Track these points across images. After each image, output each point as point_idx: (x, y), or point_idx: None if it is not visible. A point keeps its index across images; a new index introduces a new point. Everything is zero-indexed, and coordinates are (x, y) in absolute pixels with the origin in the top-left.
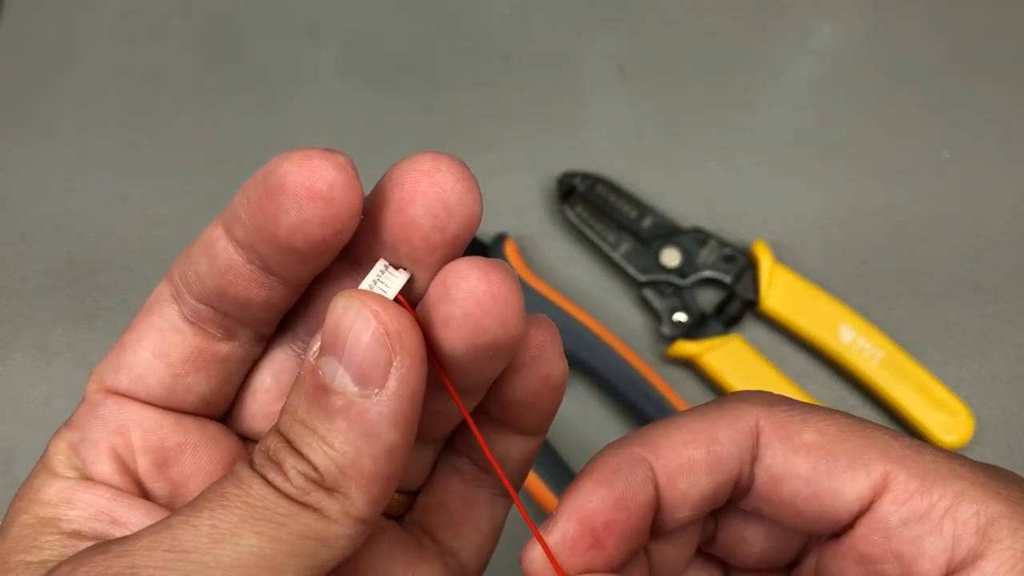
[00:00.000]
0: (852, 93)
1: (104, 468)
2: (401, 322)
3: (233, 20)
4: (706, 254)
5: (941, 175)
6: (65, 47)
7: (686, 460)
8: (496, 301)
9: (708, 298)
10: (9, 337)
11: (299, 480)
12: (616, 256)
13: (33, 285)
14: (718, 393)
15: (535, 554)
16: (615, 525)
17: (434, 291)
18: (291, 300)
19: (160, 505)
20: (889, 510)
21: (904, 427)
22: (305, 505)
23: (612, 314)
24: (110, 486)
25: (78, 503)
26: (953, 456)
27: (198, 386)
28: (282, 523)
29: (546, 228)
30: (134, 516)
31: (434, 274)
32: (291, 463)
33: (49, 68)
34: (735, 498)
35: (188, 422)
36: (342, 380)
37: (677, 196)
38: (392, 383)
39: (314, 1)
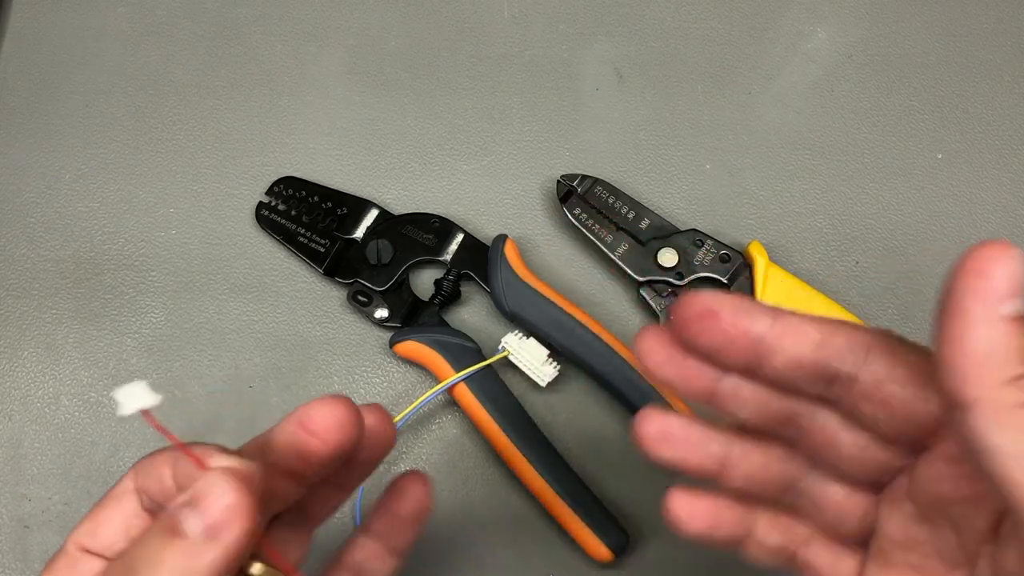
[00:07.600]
0: (846, 96)
1: None
2: (241, 502)
3: (237, 24)
4: (702, 255)
5: (934, 177)
6: (71, 50)
7: (802, 329)
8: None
9: None
10: (17, 336)
11: None
12: (614, 256)
13: (40, 285)
14: None
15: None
16: (720, 317)
17: None
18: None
19: None
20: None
21: None
22: None
23: (610, 313)
24: None
25: None
26: None
27: None
28: None
29: (545, 229)
30: None
31: None
32: None
33: (55, 71)
34: (837, 393)
35: None
36: (193, 526)
37: (674, 198)
38: (225, 539)
39: (317, 5)
